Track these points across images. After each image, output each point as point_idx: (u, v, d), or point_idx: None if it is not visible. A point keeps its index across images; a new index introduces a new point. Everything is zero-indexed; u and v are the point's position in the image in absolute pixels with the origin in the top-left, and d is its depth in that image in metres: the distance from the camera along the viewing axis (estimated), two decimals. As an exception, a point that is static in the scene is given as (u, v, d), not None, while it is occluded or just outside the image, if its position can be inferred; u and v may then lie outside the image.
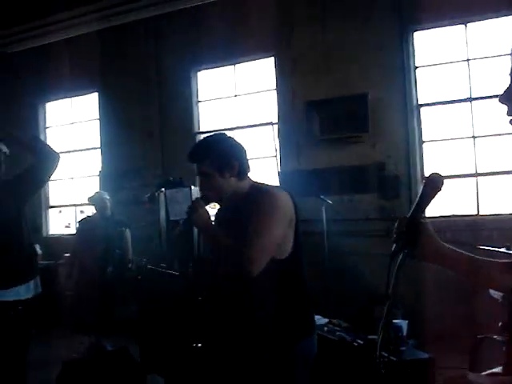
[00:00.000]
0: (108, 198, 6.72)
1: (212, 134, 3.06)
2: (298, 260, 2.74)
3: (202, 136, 8.23)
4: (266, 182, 2.92)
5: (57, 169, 3.84)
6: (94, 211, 6.82)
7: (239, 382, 2.81)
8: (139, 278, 6.43)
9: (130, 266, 6.53)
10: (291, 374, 2.68)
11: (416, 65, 7.13)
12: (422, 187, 1.88)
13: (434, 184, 1.87)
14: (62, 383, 5.34)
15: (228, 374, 2.84)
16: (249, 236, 2.55)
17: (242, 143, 2.88)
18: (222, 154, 2.74)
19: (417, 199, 1.89)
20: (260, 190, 2.75)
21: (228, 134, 3.03)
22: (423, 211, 1.90)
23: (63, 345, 6.70)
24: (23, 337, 3.76)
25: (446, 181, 1.85)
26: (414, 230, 1.84)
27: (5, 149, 3.77)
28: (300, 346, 2.70)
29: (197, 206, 2.71)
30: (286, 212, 2.65)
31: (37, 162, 3.75)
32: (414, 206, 1.88)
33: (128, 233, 6.77)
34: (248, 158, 2.85)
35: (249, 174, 2.85)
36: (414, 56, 7.11)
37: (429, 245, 1.85)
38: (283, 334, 2.66)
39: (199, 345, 2.81)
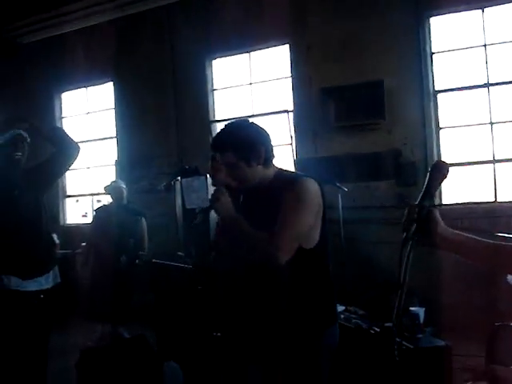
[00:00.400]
0: (124, 186, 6.77)
1: (234, 120, 2.93)
2: (324, 249, 2.73)
3: (218, 124, 8.24)
4: (291, 169, 2.86)
5: (76, 159, 3.86)
6: (111, 200, 6.88)
7: (264, 371, 2.81)
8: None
9: (137, 261, 6.55)
10: (316, 363, 2.67)
11: (432, 50, 7.05)
12: (428, 175, 1.94)
13: (440, 171, 1.94)
14: (81, 371, 5.39)
15: (252, 362, 2.85)
16: (278, 225, 2.52)
17: (265, 128, 2.79)
18: (247, 142, 2.66)
19: (424, 187, 1.93)
20: (288, 177, 2.71)
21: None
22: (431, 198, 1.93)
23: (80, 333, 6.76)
24: (45, 325, 3.81)
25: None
26: (424, 218, 1.87)
27: (28, 138, 3.81)
28: (325, 335, 2.69)
29: (219, 195, 2.66)
30: (315, 201, 2.63)
31: (57, 152, 3.78)
32: (421, 194, 1.92)
33: (144, 222, 6.81)
34: (272, 143, 2.77)
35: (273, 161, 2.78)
36: (430, 42, 7.03)
37: (440, 231, 1.86)
38: (309, 322, 2.66)
39: (218, 334, 2.78)
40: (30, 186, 3.79)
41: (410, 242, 1.82)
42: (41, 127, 3.97)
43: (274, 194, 2.62)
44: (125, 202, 6.78)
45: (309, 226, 2.61)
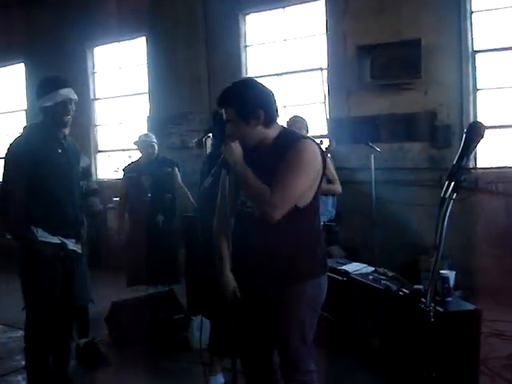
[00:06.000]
0: (154, 140, 6.34)
1: (241, 79, 3.14)
2: (314, 208, 2.87)
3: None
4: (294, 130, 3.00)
5: None
6: (140, 155, 6.46)
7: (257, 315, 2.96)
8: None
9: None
10: (296, 308, 2.83)
11: (472, 9, 6.83)
12: (464, 136, 1.93)
13: (476, 132, 1.95)
14: (110, 321, 5.50)
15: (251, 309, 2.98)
16: (276, 183, 2.64)
17: (270, 89, 2.88)
18: (246, 102, 2.75)
19: (460, 148, 1.96)
20: (291, 138, 2.80)
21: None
22: (468, 159, 1.96)
23: (108, 284, 6.83)
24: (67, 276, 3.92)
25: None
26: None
27: (74, 96, 3.86)
28: (308, 285, 2.83)
29: (230, 142, 2.77)
30: (315, 165, 2.74)
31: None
32: (457, 155, 1.95)
33: (177, 171, 6.34)
34: (276, 104, 2.86)
35: (277, 120, 2.88)
36: (470, 0, 6.81)
37: None
38: (291, 270, 2.80)
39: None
40: (75, 156, 3.98)
41: (447, 202, 1.81)
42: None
43: (274, 154, 2.74)
44: (154, 156, 6.30)
45: (304, 188, 2.72)
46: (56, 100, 3.71)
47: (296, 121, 5.34)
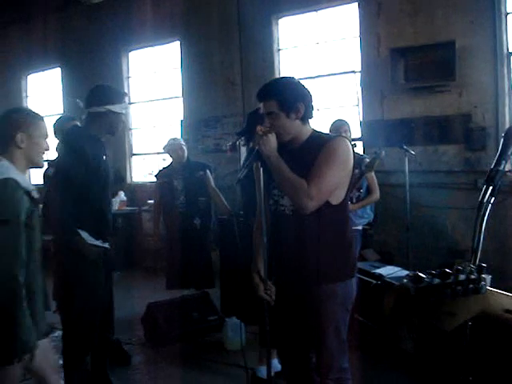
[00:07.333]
0: (183, 143, 6.35)
1: (281, 76, 3.16)
2: (346, 208, 2.95)
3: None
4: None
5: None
6: (170, 160, 6.45)
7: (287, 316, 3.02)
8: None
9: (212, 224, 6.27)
10: (326, 309, 2.86)
11: (507, 10, 6.75)
12: (501, 140, 1.94)
13: None
14: (146, 322, 5.58)
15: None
16: (312, 176, 2.71)
17: (309, 89, 2.96)
18: (289, 95, 2.83)
19: (498, 153, 1.96)
20: (324, 137, 2.89)
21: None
22: (506, 163, 1.95)
23: (143, 285, 6.90)
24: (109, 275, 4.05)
25: None
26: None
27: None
28: (339, 286, 2.87)
29: (267, 133, 2.80)
30: (349, 161, 2.81)
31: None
32: (495, 159, 1.96)
33: (209, 174, 6.32)
34: (313, 104, 2.94)
35: (310, 121, 2.94)
36: (505, 1, 6.73)
37: None
38: (324, 272, 2.84)
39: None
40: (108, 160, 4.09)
41: (485, 206, 1.82)
42: None
43: (306, 152, 2.82)
44: (185, 160, 6.28)
45: (338, 182, 2.79)
46: (122, 110, 3.87)
47: (343, 124, 5.41)
